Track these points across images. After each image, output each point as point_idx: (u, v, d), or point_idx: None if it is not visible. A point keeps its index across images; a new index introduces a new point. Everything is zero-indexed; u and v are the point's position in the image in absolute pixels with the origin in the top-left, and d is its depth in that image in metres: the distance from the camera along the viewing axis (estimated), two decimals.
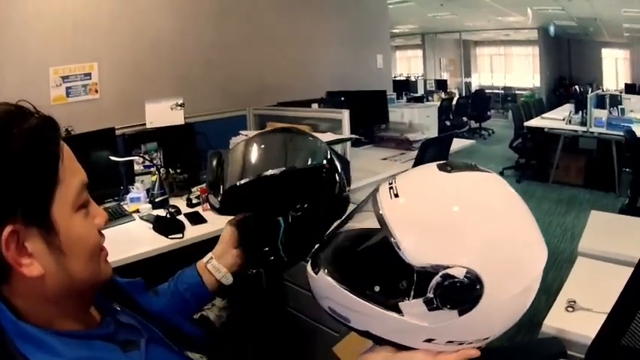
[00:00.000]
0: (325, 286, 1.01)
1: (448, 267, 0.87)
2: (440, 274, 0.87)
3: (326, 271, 1.02)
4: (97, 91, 3.78)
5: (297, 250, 1.31)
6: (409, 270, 0.89)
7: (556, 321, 2.07)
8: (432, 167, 1.01)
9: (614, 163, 6.89)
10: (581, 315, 2.07)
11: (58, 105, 3.55)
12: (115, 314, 1.03)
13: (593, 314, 2.02)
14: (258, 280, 1.23)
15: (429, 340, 0.94)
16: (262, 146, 1.30)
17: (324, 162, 1.21)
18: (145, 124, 3.79)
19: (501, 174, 8.01)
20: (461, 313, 0.89)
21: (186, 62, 4.35)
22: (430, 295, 0.88)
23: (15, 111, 0.82)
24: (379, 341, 1.00)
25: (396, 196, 0.96)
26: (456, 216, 0.92)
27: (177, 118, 3.88)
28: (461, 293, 0.87)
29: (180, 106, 3.88)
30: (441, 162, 1.02)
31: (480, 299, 0.88)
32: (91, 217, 0.91)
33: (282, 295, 2.91)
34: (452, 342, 0.94)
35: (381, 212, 0.95)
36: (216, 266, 1.36)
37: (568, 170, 7.52)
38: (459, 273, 0.87)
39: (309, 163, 1.21)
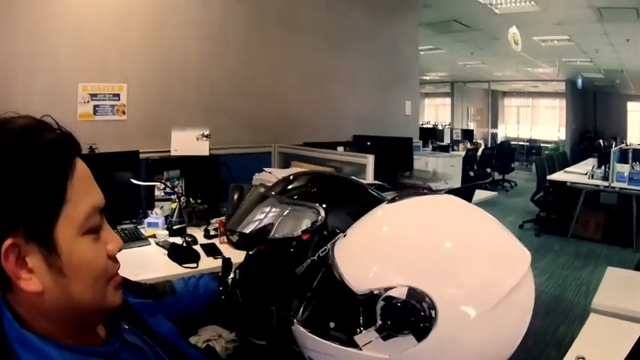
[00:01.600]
0: (299, 335, 1.02)
1: (389, 289, 0.86)
2: (382, 297, 0.86)
3: (296, 320, 1.03)
4: (124, 113, 3.83)
5: (251, 299, 1.37)
6: (355, 300, 0.89)
7: None
8: (381, 205, 1.04)
9: (633, 219, 6.83)
10: None
11: (84, 121, 3.62)
12: (123, 333, 1.03)
13: None
14: (269, 318, 1.25)
15: None
16: (265, 205, 1.34)
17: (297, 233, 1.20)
18: (169, 151, 3.81)
19: (521, 227, 8.05)
20: (419, 338, 0.85)
21: (213, 91, 4.38)
22: (379, 321, 0.86)
23: (34, 125, 0.81)
24: None
25: (345, 235, 1.00)
26: (388, 236, 0.94)
27: (202, 148, 3.88)
28: (409, 314, 0.85)
29: (206, 137, 3.88)
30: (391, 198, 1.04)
31: (436, 320, 0.84)
32: (102, 243, 0.89)
33: (289, 333, 2.84)
34: None
35: (330, 252, 0.99)
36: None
37: (587, 225, 7.46)
38: (401, 293, 0.85)
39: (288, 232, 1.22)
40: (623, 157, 7.32)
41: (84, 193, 0.84)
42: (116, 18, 3.77)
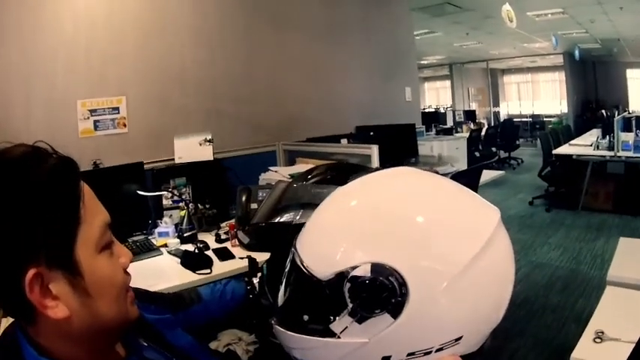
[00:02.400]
0: (280, 335, 0.99)
1: (352, 268, 0.83)
2: (347, 278, 0.83)
3: (275, 320, 1.00)
4: (125, 125, 3.83)
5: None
6: (321, 286, 0.86)
7: (584, 353, 2.03)
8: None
9: None
10: (609, 346, 2.03)
11: (85, 138, 3.61)
12: (142, 350, 1.03)
13: (622, 344, 1.99)
14: None
15: (387, 359, 0.86)
16: (289, 194, 1.33)
17: None
18: (173, 159, 3.81)
19: (531, 204, 8.07)
20: (394, 315, 0.82)
21: (213, 96, 4.38)
22: (350, 304, 0.83)
23: (32, 152, 0.81)
24: None
25: (304, 227, 0.97)
26: (343, 216, 0.92)
27: (206, 153, 3.88)
28: (377, 292, 0.82)
29: (209, 141, 3.88)
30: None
31: (407, 292, 0.81)
32: (116, 257, 0.90)
33: None
34: (414, 354, 0.86)
35: (293, 247, 0.96)
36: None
37: (597, 196, 7.46)
38: (365, 270, 0.82)
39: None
40: (626, 126, 7.28)
41: (94, 211, 0.85)
42: (110, 31, 3.77)
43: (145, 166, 3.57)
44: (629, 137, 6.96)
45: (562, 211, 7.60)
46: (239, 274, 2.74)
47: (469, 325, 0.87)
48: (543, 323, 4.18)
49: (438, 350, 0.86)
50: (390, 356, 0.86)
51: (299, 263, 0.91)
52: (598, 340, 2.07)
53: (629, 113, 8.33)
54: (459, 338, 0.86)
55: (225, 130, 4.28)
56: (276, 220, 1.23)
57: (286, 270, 1.01)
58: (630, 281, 2.57)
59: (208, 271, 2.81)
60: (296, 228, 1.19)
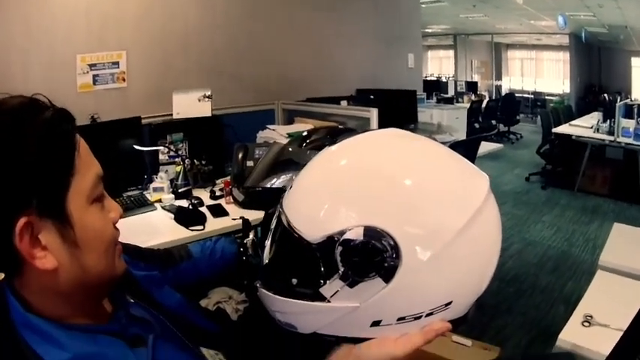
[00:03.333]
0: (264, 298, 0.98)
1: (344, 231, 0.81)
2: (339, 241, 0.82)
3: (260, 283, 0.99)
4: (124, 80, 3.78)
5: None
6: (312, 250, 0.85)
7: (572, 335, 2.03)
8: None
9: (639, 175, 6.78)
10: (597, 331, 2.04)
11: (84, 92, 3.58)
12: (129, 307, 1.03)
13: (610, 331, 1.99)
14: None
15: (377, 324, 0.87)
16: (285, 157, 1.30)
17: None
18: (171, 115, 3.77)
19: (527, 179, 8.09)
20: (386, 279, 0.82)
21: (214, 55, 4.33)
22: (341, 268, 0.82)
23: (29, 104, 0.82)
24: (336, 342, 0.95)
25: (291, 186, 0.95)
26: (334, 177, 0.89)
27: (204, 109, 3.84)
28: (370, 255, 0.81)
29: (208, 97, 3.83)
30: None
31: (400, 256, 0.81)
32: (106, 211, 0.90)
33: None
34: (404, 319, 0.86)
35: (279, 205, 0.94)
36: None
37: (594, 179, 7.43)
38: (357, 234, 0.81)
39: None
40: (628, 113, 7.22)
41: (88, 163, 0.85)
42: None
43: (143, 121, 3.55)
44: (629, 124, 6.91)
45: (558, 190, 7.60)
46: (231, 231, 2.75)
47: (458, 290, 0.87)
48: (532, 302, 4.20)
49: (428, 315, 0.87)
50: (380, 321, 0.87)
51: (287, 225, 0.89)
52: (586, 323, 2.08)
53: (631, 101, 8.28)
54: (449, 303, 0.87)
55: (224, 89, 4.23)
56: (270, 185, 1.21)
57: (272, 231, 1.00)
58: (622, 268, 2.56)
59: (201, 227, 2.82)
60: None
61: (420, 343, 0.88)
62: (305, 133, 1.27)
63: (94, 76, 3.63)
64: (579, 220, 6.31)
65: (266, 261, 1.01)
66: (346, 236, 0.81)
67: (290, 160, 1.25)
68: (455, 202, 0.85)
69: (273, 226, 0.99)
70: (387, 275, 0.81)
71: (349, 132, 1.38)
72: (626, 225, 3.30)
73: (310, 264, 0.86)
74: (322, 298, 0.86)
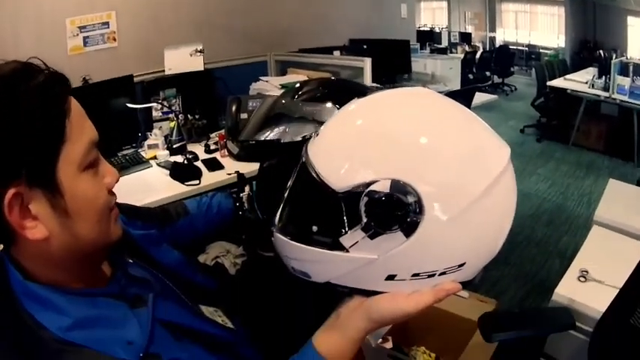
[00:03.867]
0: (280, 244, 0.98)
1: (371, 183, 0.81)
2: (365, 192, 0.82)
3: (277, 229, 0.98)
4: (115, 40, 3.72)
5: (271, 211, 1.32)
6: (336, 198, 0.85)
7: (568, 290, 2.07)
8: (353, 100, 0.98)
9: (634, 133, 6.75)
10: (592, 286, 2.07)
11: (75, 55, 3.51)
12: (127, 267, 1.03)
13: (605, 287, 2.03)
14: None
15: (392, 278, 0.88)
16: (278, 109, 1.28)
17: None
18: (163, 71, 3.73)
19: (522, 131, 8.11)
20: (407, 233, 0.82)
21: (205, 8, 4.25)
22: (364, 219, 0.82)
23: (21, 69, 0.79)
24: (348, 293, 0.96)
25: (317, 135, 0.94)
26: (366, 129, 0.89)
27: (196, 64, 3.82)
28: (395, 208, 0.81)
29: (199, 52, 3.81)
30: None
31: (422, 212, 0.81)
32: (100, 177, 0.89)
33: None
34: (418, 275, 0.87)
35: (303, 153, 0.93)
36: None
37: (588, 134, 7.40)
38: (383, 186, 0.81)
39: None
40: (623, 70, 7.16)
41: (80, 129, 0.83)
42: None
43: (135, 79, 3.51)
44: (625, 82, 6.82)
45: (553, 144, 7.60)
46: (226, 185, 2.77)
47: (473, 252, 0.88)
48: (527, 255, 4.22)
49: (441, 274, 0.88)
50: (394, 275, 0.87)
51: (313, 174, 0.88)
52: (582, 278, 2.11)
53: (626, 59, 8.21)
54: (462, 265, 0.88)
55: (216, 42, 4.17)
56: (264, 138, 1.20)
57: (293, 179, 0.99)
58: (616, 225, 2.59)
59: (197, 182, 2.83)
60: (285, 146, 1.15)
61: (430, 301, 0.89)
62: (297, 85, 1.26)
63: (85, 37, 3.55)
64: (574, 175, 6.32)
65: (284, 208, 1.00)
66: (372, 187, 0.81)
67: (282, 113, 1.24)
68: (478, 165, 0.85)
69: (294, 176, 0.98)
70: (409, 230, 0.82)
71: (342, 82, 1.37)
72: (621, 182, 3.31)
73: (333, 213, 0.86)
74: (341, 248, 0.87)
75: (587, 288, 2.06)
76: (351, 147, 0.87)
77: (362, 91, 1.34)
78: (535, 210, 5.17)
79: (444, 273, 0.88)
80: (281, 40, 4.74)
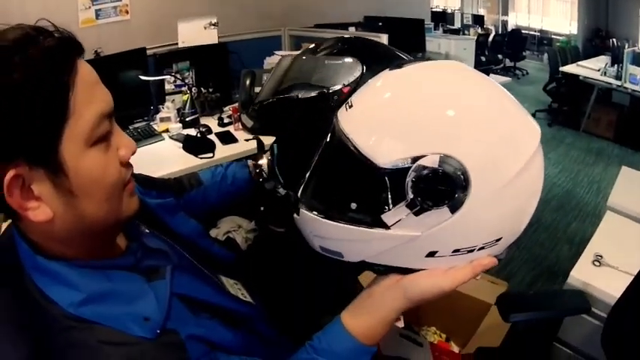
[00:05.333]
0: (308, 222, 0.94)
1: (419, 158, 0.78)
2: (412, 168, 0.78)
3: (304, 206, 0.94)
4: (127, 12, 3.70)
5: (292, 176, 1.27)
6: (380, 174, 0.81)
7: (582, 274, 2.05)
8: (384, 72, 0.94)
9: None
10: (606, 271, 2.06)
11: (86, 27, 3.48)
12: (143, 238, 1.00)
13: (619, 273, 2.02)
14: (287, 203, 1.20)
15: (432, 254, 0.86)
16: (297, 67, 1.25)
17: (338, 87, 1.11)
18: (176, 44, 3.70)
19: (534, 115, 7.92)
20: (453, 210, 0.80)
21: None
22: (410, 195, 0.79)
23: (24, 36, 0.73)
24: (383, 272, 0.94)
25: (350, 107, 0.90)
26: (406, 103, 0.85)
27: (210, 37, 3.80)
28: (442, 183, 0.78)
29: (213, 25, 3.78)
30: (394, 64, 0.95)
31: (469, 187, 0.79)
32: (113, 150, 0.84)
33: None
34: (458, 251, 0.86)
35: (337, 127, 0.90)
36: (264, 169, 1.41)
37: (599, 122, 7.33)
38: (432, 161, 0.78)
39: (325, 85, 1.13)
40: (636, 60, 7.12)
41: (88, 101, 0.77)
42: None
43: (148, 52, 3.47)
44: (637, 71, 6.78)
45: (564, 129, 7.52)
46: (242, 158, 2.73)
47: (508, 227, 0.88)
48: (536, 239, 4.19)
49: (480, 249, 0.87)
50: (436, 252, 0.86)
51: (352, 148, 0.84)
52: (597, 263, 2.10)
53: (639, 49, 8.13)
54: (499, 239, 0.87)
55: (230, 17, 4.13)
56: (284, 96, 1.15)
57: (322, 152, 0.96)
58: (630, 212, 2.56)
59: (211, 155, 2.82)
60: (305, 103, 1.12)
61: (468, 276, 0.88)
62: (312, 45, 1.21)
63: (97, 10, 3.53)
64: (584, 161, 6.27)
65: (314, 183, 0.97)
66: (421, 162, 0.78)
67: (303, 70, 1.17)
68: (518, 142, 0.84)
69: (324, 149, 0.95)
70: (455, 206, 0.80)
71: (361, 40, 1.33)
72: (633, 170, 3.28)
73: (376, 189, 0.83)
74: (382, 225, 0.84)
75: (601, 272, 2.05)
76: (393, 121, 0.84)
77: (384, 50, 1.30)
78: (545, 194, 5.04)
79: (482, 248, 0.87)
80: (295, 15, 4.71)
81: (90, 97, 0.77)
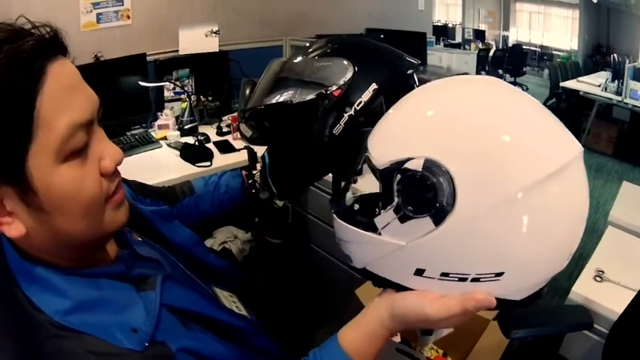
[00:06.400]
0: (335, 225, 0.92)
1: (406, 161, 0.76)
2: (399, 169, 0.76)
3: (334, 210, 0.94)
4: (129, 17, 3.64)
5: (285, 186, 1.28)
6: (377, 175, 0.81)
7: (584, 289, 2.01)
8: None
9: None
10: (608, 287, 2.03)
11: (88, 31, 3.41)
12: (135, 246, 0.97)
13: (621, 289, 1.99)
14: (284, 214, 1.18)
15: (420, 273, 0.80)
16: (287, 70, 1.23)
17: (328, 89, 1.07)
18: (177, 51, 3.70)
19: None
20: (436, 221, 0.74)
21: None
22: (396, 199, 0.77)
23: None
24: (381, 285, 0.91)
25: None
26: (410, 106, 0.86)
27: (211, 45, 3.80)
28: (425, 190, 0.74)
29: (215, 33, 3.79)
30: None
31: (455, 199, 0.73)
32: (93, 162, 0.77)
33: (307, 231, 2.79)
34: (447, 275, 0.78)
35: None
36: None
37: (599, 137, 7.32)
38: (417, 164, 0.74)
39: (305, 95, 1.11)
40: (637, 76, 7.14)
41: (61, 109, 0.70)
42: None
43: (148, 58, 3.47)
44: (638, 87, 6.83)
45: None
46: (239, 167, 2.73)
47: (514, 261, 0.77)
48: None
49: (473, 280, 0.78)
50: (423, 270, 0.80)
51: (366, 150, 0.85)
52: (598, 278, 2.07)
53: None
54: (500, 274, 0.77)
55: (231, 24, 4.12)
56: (274, 101, 1.11)
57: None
58: (631, 227, 2.52)
59: (208, 163, 2.83)
60: (297, 108, 1.09)
61: (456, 309, 0.79)
62: (306, 45, 1.17)
63: (98, 14, 3.48)
64: None
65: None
66: (406, 165, 0.76)
67: (294, 73, 1.13)
68: (531, 157, 0.75)
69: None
70: (438, 216, 0.74)
71: (353, 38, 1.32)
72: (635, 185, 3.26)
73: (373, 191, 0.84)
74: (374, 229, 0.82)
75: (603, 288, 2.03)
76: (394, 124, 0.85)
77: (377, 49, 1.27)
78: None
79: (477, 279, 0.78)
80: (297, 25, 4.69)
81: (63, 105, 0.71)
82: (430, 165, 0.74)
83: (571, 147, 0.80)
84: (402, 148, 0.78)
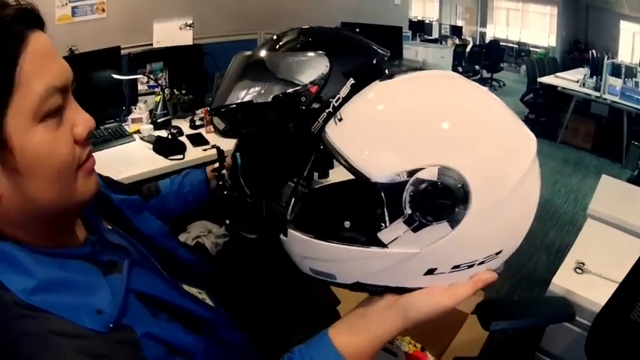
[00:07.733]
0: (297, 243, 0.90)
1: (416, 171, 0.75)
2: (410, 181, 0.75)
3: (293, 226, 0.91)
4: (103, 10, 3.60)
5: (259, 185, 1.24)
6: (376, 190, 0.79)
7: (564, 281, 2.04)
8: (374, 83, 0.91)
9: (623, 134, 6.73)
10: (589, 279, 2.05)
11: (62, 24, 3.39)
12: (104, 234, 0.95)
13: (602, 280, 2.00)
14: (258, 209, 1.14)
15: (431, 272, 0.83)
16: (254, 66, 1.17)
17: (302, 86, 1.05)
18: (151, 44, 3.67)
19: None
20: (453, 224, 0.77)
21: None
22: (408, 210, 0.76)
23: None
24: (377, 292, 0.90)
25: (340, 120, 0.87)
26: (401, 114, 0.82)
27: (185, 38, 3.78)
28: (442, 197, 0.76)
29: (189, 26, 3.77)
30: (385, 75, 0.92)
31: (469, 200, 0.76)
32: (66, 127, 0.79)
33: (280, 225, 2.77)
34: (459, 267, 0.83)
35: (327, 141, 0.86)
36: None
37: (577, 132, 7.38)
38: (431, 174, 0.75)
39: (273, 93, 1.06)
40: (615, 72, 7.20)
41: (38, 73, 0.72)
42: None
43: (122, 52, 3.43)
44: (617, 82, 6.88)
45: (540, 140, 7.02)
46: (210, 161, 2.71)
47: (509, 239, 0.87)
48: (516, 249, 4.16)
49: (480, 264, 0.85)
50: (435, 269, 0.83)
51: (344, 163, 0.81)
52: (579, 270, 2.09)
53: (617, 62, 8.24)
54: (499, 252, 0.86)
55: (206, 18, 4.09)
56: (239, 100, 1.05)
57: (309, 168, 0.95)
58: (611, 220, 2.57)
59: (181, 156, 2.84)
60: (262, 106, 1.05)
61: (469, 293, 0.86)
62: (275, 37, 1.11)
63: (73, 7, 3.44)
64: (561, 171, 6.30)
65: (296, 201, 0.95)
66: (419, 175, 0.75)
67: (263, 67, 1.07)
68: (516, 152, 0.83)
69: (311, 164, 0.94)
70: (455, 220, 0.77)
71: (327, 30, 1.26)
72: (613, 178, 3.31)
73: (370, 205, 0.81)
74: (379, 244, 0.81)
75: (584, 280, 2.05)
76: (388, 133, 0.81)
77: (350, 40, 1.23)
78: None
79: (482, 262, 0.84)
80: (272, 19, 4.65)
81: (41, 69, 0.73)
82: (445, 172, 0.75)
83: (532, 139, 0.88)
84: (406, 159, 0.77)
